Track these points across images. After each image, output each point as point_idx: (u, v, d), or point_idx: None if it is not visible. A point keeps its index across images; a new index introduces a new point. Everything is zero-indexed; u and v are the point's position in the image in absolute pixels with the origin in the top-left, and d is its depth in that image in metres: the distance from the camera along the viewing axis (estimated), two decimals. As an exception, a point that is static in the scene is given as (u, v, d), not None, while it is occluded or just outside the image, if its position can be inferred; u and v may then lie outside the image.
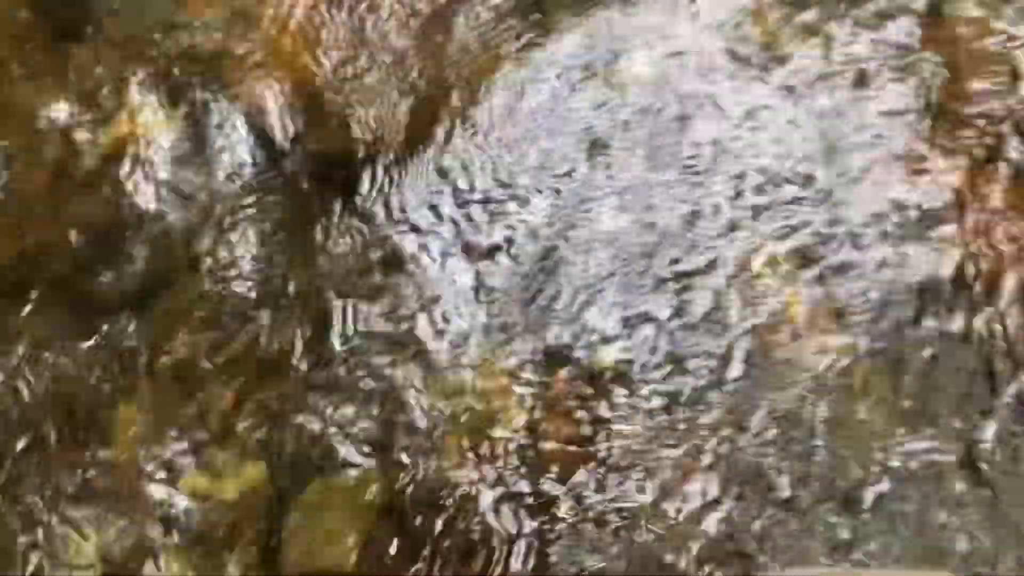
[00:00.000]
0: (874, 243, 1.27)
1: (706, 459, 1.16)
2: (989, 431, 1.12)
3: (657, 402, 1.20)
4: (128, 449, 1.23)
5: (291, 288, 1.33)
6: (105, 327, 1.32)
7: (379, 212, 1.38)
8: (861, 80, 1.34)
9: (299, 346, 1.28)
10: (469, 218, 1.36)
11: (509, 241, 1.32)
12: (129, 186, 1.40)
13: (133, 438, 1.23)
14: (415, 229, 1.37)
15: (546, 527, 1.13)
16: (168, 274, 1.37)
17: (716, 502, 1.13)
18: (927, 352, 1.18)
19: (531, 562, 1.11)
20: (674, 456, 1.16)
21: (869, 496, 1.11)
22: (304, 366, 1.27)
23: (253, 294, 1.34)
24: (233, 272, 1.35)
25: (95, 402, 1.28)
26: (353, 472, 1.17)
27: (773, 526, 1.11)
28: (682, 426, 1.18)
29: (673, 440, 1.17)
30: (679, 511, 1.14)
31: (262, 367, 1.28)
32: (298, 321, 1.30)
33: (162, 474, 1.20)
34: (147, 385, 1.27)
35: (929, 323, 1.20)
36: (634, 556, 1.11)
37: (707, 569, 1.09)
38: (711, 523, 1.12)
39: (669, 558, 1.10)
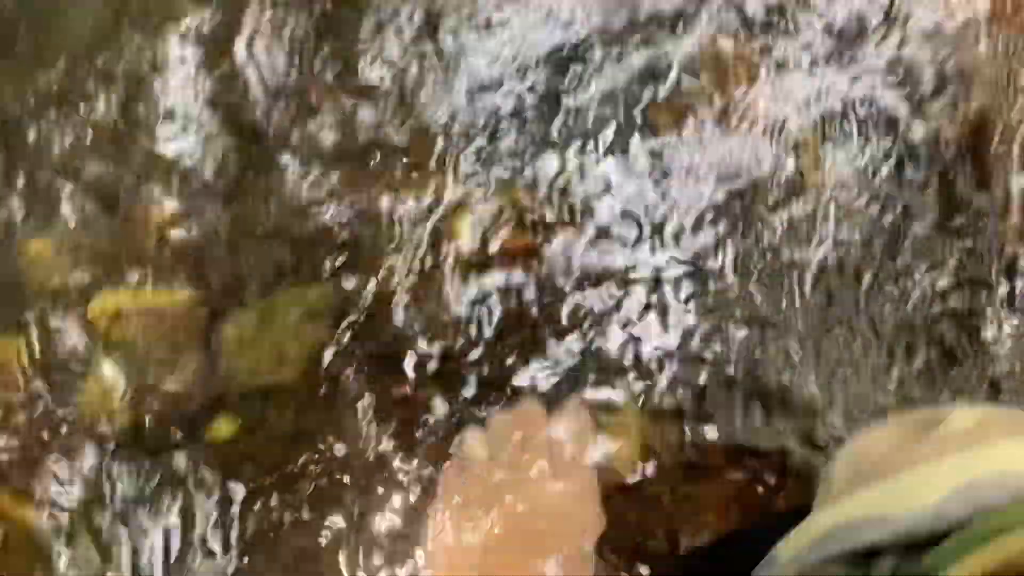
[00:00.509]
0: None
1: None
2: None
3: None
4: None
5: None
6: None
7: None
8: None
9: (234, 157, 1.11)
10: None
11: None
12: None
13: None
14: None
15: (505, 333, 1.03)
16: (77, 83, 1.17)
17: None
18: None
19: (492, 369, 1.02)
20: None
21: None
22: (245, 174, 1.10)
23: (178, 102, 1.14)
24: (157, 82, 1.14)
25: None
26: (298, 284, 1.05)
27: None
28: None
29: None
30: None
31: (192, 176, 1.11)
32: (231, 127, 1.12)
33: (76, 296, 1.05)
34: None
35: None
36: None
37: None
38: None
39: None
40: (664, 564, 0.94)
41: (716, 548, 0.81)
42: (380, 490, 0.98)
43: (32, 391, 1.02)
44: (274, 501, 0.98)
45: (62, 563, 0.98)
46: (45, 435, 1.01)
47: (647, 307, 1.03)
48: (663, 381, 0.99)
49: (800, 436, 0.99)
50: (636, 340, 1.01)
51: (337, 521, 0.97)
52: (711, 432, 0.98)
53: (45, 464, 1.01)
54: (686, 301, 1.03)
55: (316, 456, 0.99)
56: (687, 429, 0.98)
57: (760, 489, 0.97)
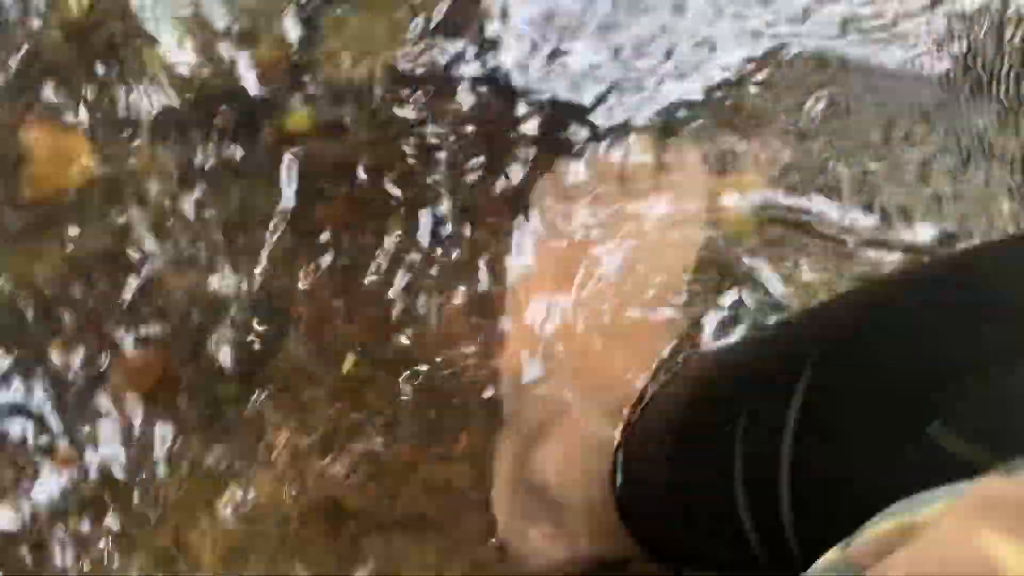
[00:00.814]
0: None
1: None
2: None
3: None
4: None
5: None
6: None
7: None
8: None
9: None
10: None
11: None
12: None
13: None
14: None
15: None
16: None
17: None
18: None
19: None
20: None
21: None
22: None
23: None
24: None
25: None
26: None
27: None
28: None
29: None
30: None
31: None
32: None
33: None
34: None
35: None
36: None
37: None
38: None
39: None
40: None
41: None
42: (469, 209, 0.88)
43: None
44: (348, 203, 0.88)
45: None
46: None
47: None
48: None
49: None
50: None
51: (420, 232, 0.88)
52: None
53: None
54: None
55: (399, 164, 0.88)
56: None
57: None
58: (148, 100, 0.89)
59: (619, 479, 0.67)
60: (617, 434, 0.69)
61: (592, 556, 0.79)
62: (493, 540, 0.84)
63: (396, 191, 0.88)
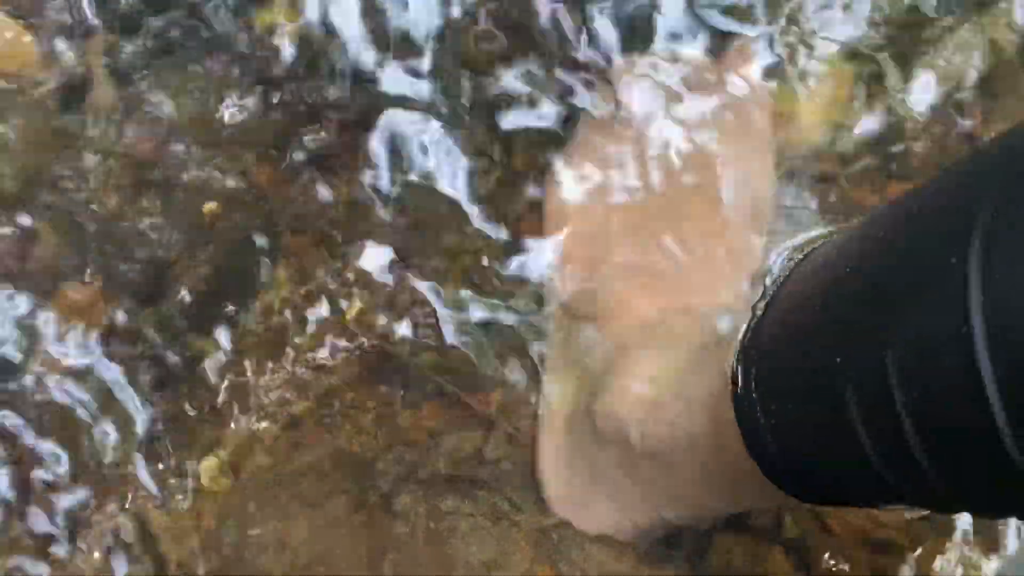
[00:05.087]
0: None
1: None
2: None
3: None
4: None
5: None
6: None
7: None
8: None
9: None
10: None
11: None
12: None
13: None
14: None
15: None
16: None
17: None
18: None
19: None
20: None
21: None
22: None
23: None
24: None
25: None
26: None
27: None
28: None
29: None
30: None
31: None
32: None
33: None
34: None
35: None
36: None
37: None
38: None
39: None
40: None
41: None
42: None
43: None
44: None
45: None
46: None
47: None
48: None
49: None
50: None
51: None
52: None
53: None
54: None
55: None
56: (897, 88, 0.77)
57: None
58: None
59: (749, 398, 0.51)
60: (734, 342, 0.53)
61: (689, 517, 0.62)
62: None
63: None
